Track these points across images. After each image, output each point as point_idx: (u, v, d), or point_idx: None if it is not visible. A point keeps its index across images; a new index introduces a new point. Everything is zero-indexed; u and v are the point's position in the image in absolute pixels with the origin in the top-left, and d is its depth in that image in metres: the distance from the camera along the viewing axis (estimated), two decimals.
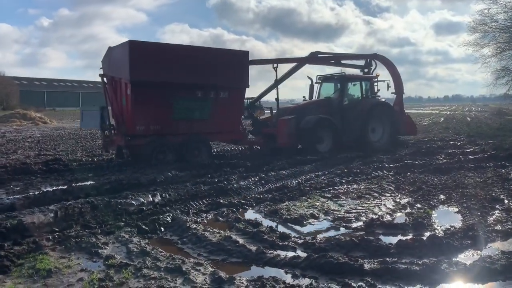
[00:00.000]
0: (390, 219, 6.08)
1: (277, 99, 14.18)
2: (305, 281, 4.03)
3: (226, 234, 5.24)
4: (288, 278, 4.10)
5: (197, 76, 11.33)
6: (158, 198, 7.19)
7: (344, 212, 6.56)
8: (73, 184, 8.42)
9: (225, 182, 8.40)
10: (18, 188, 8.28)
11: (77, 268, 4.32)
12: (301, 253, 4.70)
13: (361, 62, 16.49)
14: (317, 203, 6.99)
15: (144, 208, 6.60)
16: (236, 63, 12.11)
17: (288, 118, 13.34)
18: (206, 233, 5.32)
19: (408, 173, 9.47)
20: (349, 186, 8.32)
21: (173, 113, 11.18)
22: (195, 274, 4.08)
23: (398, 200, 7.26)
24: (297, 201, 7.15)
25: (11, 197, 7.38)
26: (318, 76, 15.52)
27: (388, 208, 6.73)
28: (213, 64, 11.57)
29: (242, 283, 3.91)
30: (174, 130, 11.30)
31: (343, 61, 16.15)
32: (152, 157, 10.77)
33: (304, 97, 15.87)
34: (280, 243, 5.00)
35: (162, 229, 5.67)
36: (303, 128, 13.10)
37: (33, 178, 9.29)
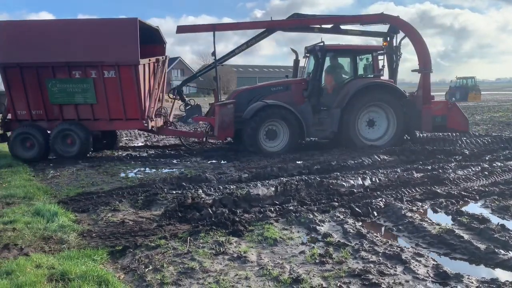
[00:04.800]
0: None
1: (215, 78, 11.39)
2: None
3: (448, 227, 4.83)
4: None
5: (68, 54, 9.97)
6: (368, 182, 7.14)
7: None
8: (287, 162, 9.07)
9: (440, 171, 7.75)
10: (242, 164, 9.41)
11: (298, 241, 4.64)
12: None
13: (384, 28, 11.97)
14: None
15: (355, 190, 6.66)
16: (120, 36, 10.10)
17: (224, 104, 10.60)
18: (423, 223, 5.02)
19: None
20: None
21: (49, 97, 10.24)
22: (416, 265, 3.89)
23: None
24: None
25: (238, 171, 8.46)
26: (306, 48, 11.92)
27: None
28: (88, 39, 10.02)
29: (472, 282, 3.54)
30: (57, 116, 10.39)
31: (343, 27, 11.87)
32: (16, 145, 10.20)
33: (286, 76, 12.41)
34: None
35: (375, 213, 5.60)
36: (242, 119, 10.42)
37: (253, 155, 10.40)
